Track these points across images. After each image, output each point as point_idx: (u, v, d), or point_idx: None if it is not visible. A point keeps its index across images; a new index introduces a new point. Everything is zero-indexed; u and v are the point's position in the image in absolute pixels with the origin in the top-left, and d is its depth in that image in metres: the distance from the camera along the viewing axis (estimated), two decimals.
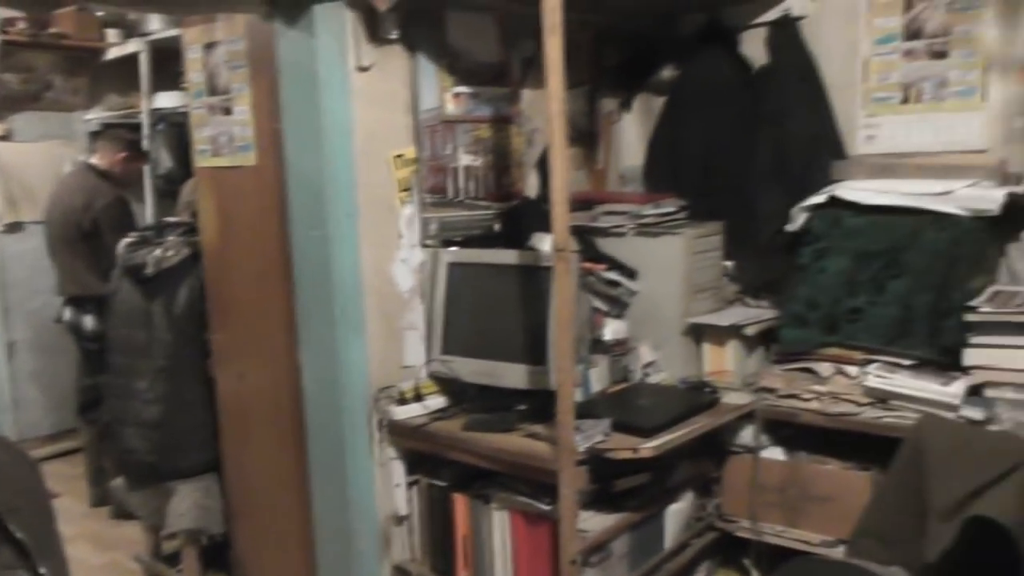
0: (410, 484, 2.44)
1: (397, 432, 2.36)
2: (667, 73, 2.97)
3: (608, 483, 2.17)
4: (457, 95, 2.51)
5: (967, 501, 1.81)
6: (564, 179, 1.92)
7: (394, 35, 2.30)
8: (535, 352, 2.24)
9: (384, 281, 2.37)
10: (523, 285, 2.31)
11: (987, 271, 2.40)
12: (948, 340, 2.21)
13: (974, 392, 2.17)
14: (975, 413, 2.13)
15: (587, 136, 3.01)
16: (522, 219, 2.56)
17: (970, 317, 2.18)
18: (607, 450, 2.06)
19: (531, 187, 2.75)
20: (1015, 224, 2.39)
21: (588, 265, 2.49)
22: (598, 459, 2.06)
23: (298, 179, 2.32)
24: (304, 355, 2.40)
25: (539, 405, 2.19)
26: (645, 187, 3.03)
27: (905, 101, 2.62)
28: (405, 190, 2.40)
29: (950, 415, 2.13)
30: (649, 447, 2.07)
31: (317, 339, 2.36)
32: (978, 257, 2.31)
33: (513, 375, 2.29)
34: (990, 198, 2.26)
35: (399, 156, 2.38)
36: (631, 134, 3.14)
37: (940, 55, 2.55)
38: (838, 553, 2.23)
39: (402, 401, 2.35)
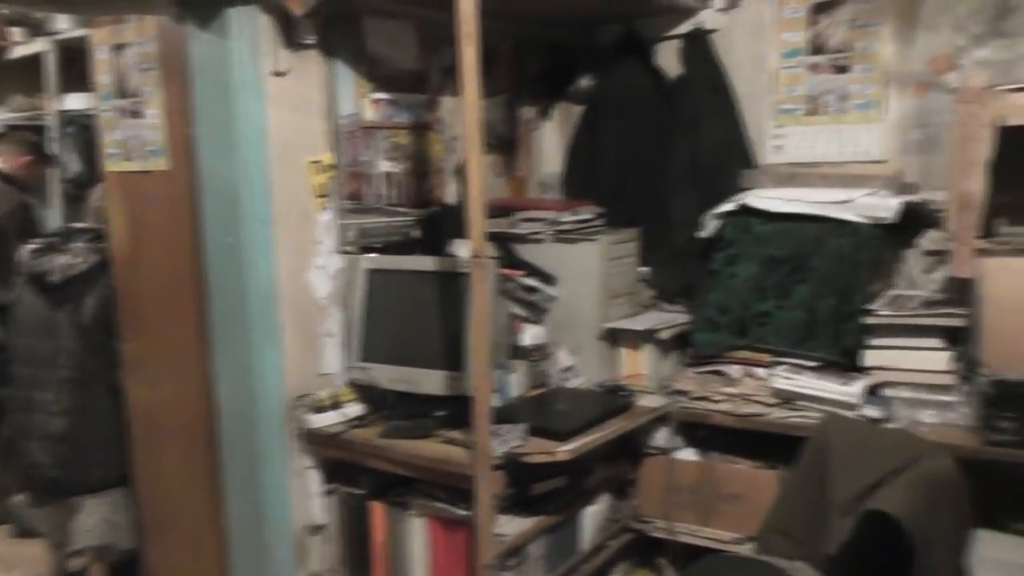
0: (327, 493, 2.41)
1: (314, 441, 2.34)
2: (585, 82, 3.03)
3: (525, 487, 2.19)
4: (376, 101, 2.51)
5: (865, 496, 1.89)
6: (480, 186, 1.94)
7: (311, 40, 2.28)
8: (453, 358, 2.24)
9: (301, 288, 2.35)
10: (441, 291, 2.32)
11: (886, 276, 2.51)
12: (849, 342, 2.31)
13: (873, 392, 2.27)
14: (874, 412, 2.23)
15: (507, 143, 3.03)
16: (441, 226, 2.57)
17: (869, 320, 2.28)
18: (524, 454, 2.08)
19: (451, 194, 2.76)
20: (911, 231, 2.51)
21: (507, 271, 2.51)
22: (515, 463, 2.07)
23: (211, 185, 2.28)
24: (218, 364, 2.36)
25: (457, 411, 2.20)
26: (564, 194, 3.08)
27: (810, 113, 2.73)
28: (322, 196, 2.38)
29: (851, 414, 2.23)
30: (565, 450, 2.10)
31: (231, 348, 2.31)
32: (877, 262, 2.42)
33: (431, 381, 2.29)
34: (887, 206, 2.37)
35: (316, 162, 2.36)
36: (551, 142, 3.19)
37: (842, 69, 2.66)
38: (747, 550, 2.30)
39: (319, 409, 2.32)
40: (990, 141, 2.05)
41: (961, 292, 2.22)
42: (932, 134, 2.51)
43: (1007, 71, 2.40)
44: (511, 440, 2.08)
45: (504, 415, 2.20)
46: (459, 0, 1.85)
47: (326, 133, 2.38)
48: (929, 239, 2.49)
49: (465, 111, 1.90)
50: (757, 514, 2.29)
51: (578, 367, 2.62)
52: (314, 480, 2.39)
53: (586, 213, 2.71)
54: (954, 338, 2.20)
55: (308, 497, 2.39)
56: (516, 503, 2.21)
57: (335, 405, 2.34)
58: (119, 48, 2.50)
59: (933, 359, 2.20)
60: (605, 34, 3.01)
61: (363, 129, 2.47)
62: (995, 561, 2.09)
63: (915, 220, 2.47)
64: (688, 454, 2.53)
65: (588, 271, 2.59)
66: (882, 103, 2.60)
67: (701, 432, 2.52)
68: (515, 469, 2.09)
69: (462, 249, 2.32)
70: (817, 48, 2.69)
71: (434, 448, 2.17)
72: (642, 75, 2.90)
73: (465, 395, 2.11)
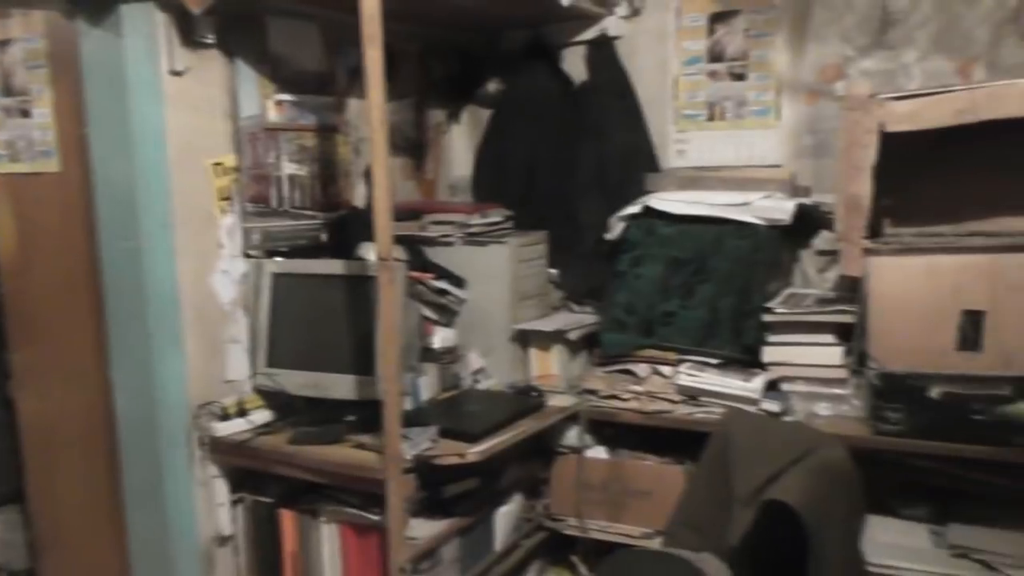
0: (234, 503, 2.36)
1: (219, 449, 2.28)
2: (493, 86, 3.05)
3: (437, 489, 2.20)
4: (280, 103, 2.46)
5: (764, 487, 1.97)
6: (387, 189, 1.93)
7: (211, 39, 2.22)
8: (362, 362, 2.23)
9: (204, 293, 2.29)
10: (349, 295, 2.29)
11: (782, 275, 2.62)
12: (749, 339, 2.39)
13: (772, 387, 2.36)
14: (773, 406, 2.31)
15: (416, 147, 3.03)
16: (349, 229, 2.54)
17: (767, 318, 2.37)
18: (435, 457, 2.08)
19: (359, 197, 2.74)
20: (805, 232, 2.62)
21: (416, 274, 2.51)
22: (426, 466, 2.07)
23: (106, 187, 2.20)
24: (116, 373, 2.27)
25: (367, 415, 2.18)
26: (474, 197, 3.09)
27: (711, 118, 2.82)
28: (225, 199, 2.32)
29: (751, 408, 2.31)
30: (476, 452, 2.11)
31: (130, 356, 2.24)
32: (774, 262, 2.51)
33: (340, 386, 2.26)
34: (782, 209, 2.47)
35: (218, 164, 2.30)
36: (460, 145, 3.20)
37: (740, 77, 2.76)
38: (656, 544, 2.36)
39: (224, 417, 2.27)
40: (874, 147, 2.16)
41: (851, 290, 2.32)
42: (823, 139, 2.63)
43: (890, 80, 2.54)
44: (421, 443, 2.08)
45: (415, 418, 2.20)
46: (363, 1, 1.84)
47: (228, 134, 2.33)
48: (822, 239, 2.61)
49: (370, 113, 1.89)
50: (665, 509, 2.34)
51: (489, 369, 2.63)
52: (220, 490, 2.33)
53: (495, 216, 2.73)
54: (846, 334, 2.30)
55: (214, 507, 2.33)
56: (428, 506, 2.21)
57: (241, 412, 2.29)
58: (4, 44, 2.39)
59: (826, 354, 2.31)
60: (512, 39, 3.03)
61: (266, 131, 2.42)
62: (886, 545, 2.21)
63: (809, 221, 2.58)
64: (598, 452, 2.57)
65: (498, 273, 2.61)
66: (777, 110, 2.71)
67: (610, 430, 2.57)
68: (426, 472, 2.09)
69: (370, 253, 2.31)
70: (716, 56, 2.79)
71: (344, 453, 2.14)
72: (549, 80, 2.94)
73: (375, 399, 2.10)
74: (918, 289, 2.11)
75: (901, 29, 2.51)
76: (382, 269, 1.93)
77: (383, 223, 1.93)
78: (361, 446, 2.15)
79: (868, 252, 2.18)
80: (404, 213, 2.74)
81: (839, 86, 2.59)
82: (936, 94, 2.13)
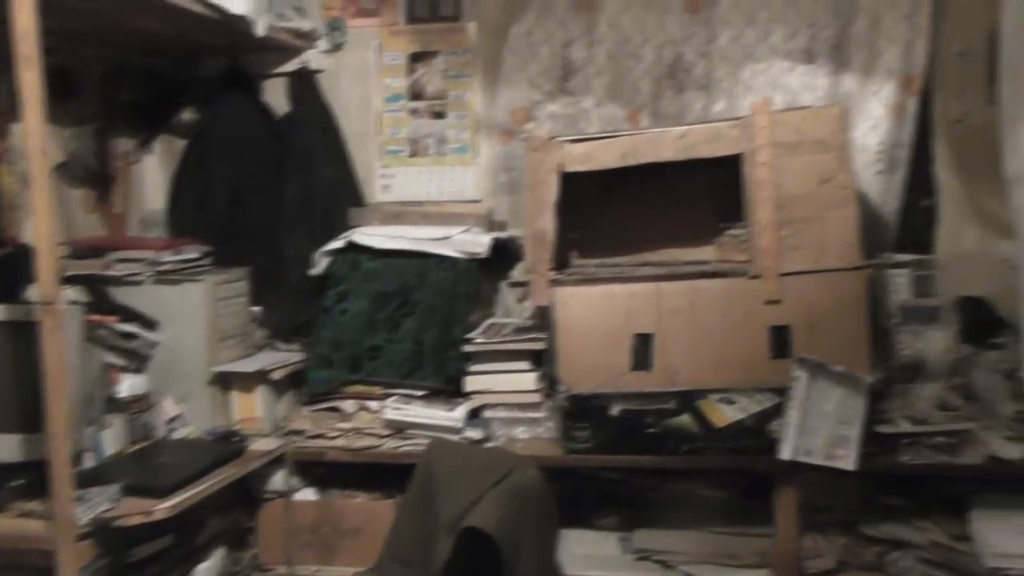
0: None
1: None
2: (188, 115, 2.89)
3: (122, 554, 2.01)
4: None
5: (465, 513, 2.02)
6: (49, 223, 1.76)
7: None
8: (30, 418, 1.98)
9: None
10: (14, 344, 2.04)
11: (484, 306, 2.73)
12: (452, 370, 2.46)
13: (475, 414, 2.44)
14: (475, 433, 2.39)
15: (100, 177, 2.78)
16: (14, 269, 2.27)
17: (468, 348, 2.46)
18: (116, 518, 1.90)
19: (28, 232, 2.45)
20: (503, 264, 2.76)
21: (98, 317, 2.30)
22: (107, 529, 1.89)
23: None
24: None
25: (39, 478, 1.95)
26: (170, 232, 2.90)
27: (413, 154, 2.89)
28: None
29: (455, 437, 2.37)
30: (165, 507, 1.96)
31: None
32: (474, 294, 2.61)
33: (4, 447, 2.00)
34: (480, 242, 2.59)
35: None
36: (153, 177, 2.98)
37: (440, 115, 2.86)
38: None
39: None
40: (556, 185, 2.33)
41: (543, 318, 2.48)
42: (516, 177, 2.79)
43: (574, 123, 2.76)
44: (100, 504, 1.89)
45: (94, 477, 2.00)
46: (15, 18, 1.67)
47: None
48: (518, 271, 2.76)
49: (27, 140, 1.71)
50: (377, 545, 2.31)
51: (186, 415, 2.47)
52: None
53: (191, 252, 2.58)
54: (539, 360, 2.45)
55: None
56: (113, 573, 2.01)
57: None
58: None
59: (523, 380, 2.44)
60: (209, 66, 2.91)
61: None
62: (583, 556, 2.36)
63: (506, 254, 2.73)
64: (307, 494, 2.50)
65: (194, 313, 2.47)
66: (475, 147, 2.84)
67: (320, 470, 2.52)
68: (108, 536, 1.91)
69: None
70: (416, 94, 2.87)
71: (7, 524, 1.90)
72: (250, 111, 2.85)
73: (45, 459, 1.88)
74: (598, 316, 2.30)
75: (580, 78, 2.75)
76: (45, 314, 1.75)
77: (47, 262, 1.76)
78: (28, 514, 1.91)
79: (554, 283, 2.34)
80: (85, 250, 2.51)
81: (529, 127, 2.77)
82: (606, 138, 2.35)
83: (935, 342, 2.17)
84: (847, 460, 2.09)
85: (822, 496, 2.26)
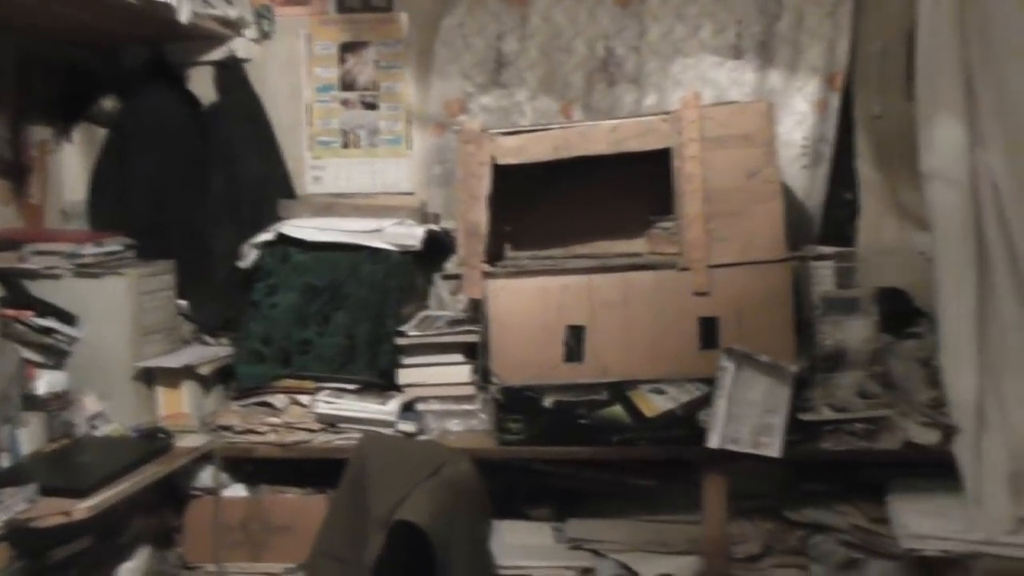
0: None
1: None
2: (109, 104, 2.80)
3: (40, 556, 1.94)
4: None
5: (397, 508, 2.01)
6: None
7: None
8: None
9: None
10: None
11: (417, 299, 2.72)
12: (384, 363, 2.44)
13: (408, 408, 2.43)
14: (408, 426, 2.38)
15: (15, 168, 2.67)
16: None
17: (401, 341, 2.44)
18: (32, 519, 1.84)
19: None
20: (437, 257, 2.75)
21: (13, 312, 2.22)
22: (22, 531, 1.82)
23: None
24: None
25: None
26: (91, 224, 2.80)
27: (345, 146, 2.85)
28: None
29: (388, 431, 2.36)
30: (85, 507, 1.90)
31: None
32: (408, 287, 2.59)
33: None
34: (413, 235, 2.57)
35: None
36: (74, 167, 2.88)
37: (371, 106, 2.83)
38: None
39: None
40: (488, 177, 2.32)
41: (477, 311, 2.48)
42: (450, 169, 2.77)
43: (507, 116, 2.76)
44: (15, 505, 1.83)
45: (10, 476, 1.94)
46: None
47: None
48: (452, 264, 2.75)
49: None
50: (308, 542, 2.29)
51: (109, 412, 2.39)
52: None
53: (114, 245, 2.51)
54: (473, 353, 2.45)
55: None
56: (32, 575, 1.95)
57: None
58: None
59: (456, 373, 2.43)
60: (131, 56, 2.82)
61: None
62: (517, 546, 2.37)
63: (440, 247, 2.71)
64: (237, 491, 2.45)
65: (116, 307, 2.39)
66: (408, 139, 2.82)
67: (249, 467, 2.47)
68: (23, 538, 1.84)
69: None
70: (348, 85, 2.83)
71: None
72: (174, 101, 2.78)
73: None
74: (531, 308, 2.31)
75: (513, 70, 2.75)
76: None
77: None
78: None
79: (487, 275, 2.34)
80: (0, 242, 2.42)
81: (463, 120, 2.76)
82: (538, 131, 2.36)
83: (855, 332, 2.24)
84: (773, 448, 2.15)
85: (748, 483, 2.31)
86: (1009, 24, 2.02)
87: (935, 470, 2.16)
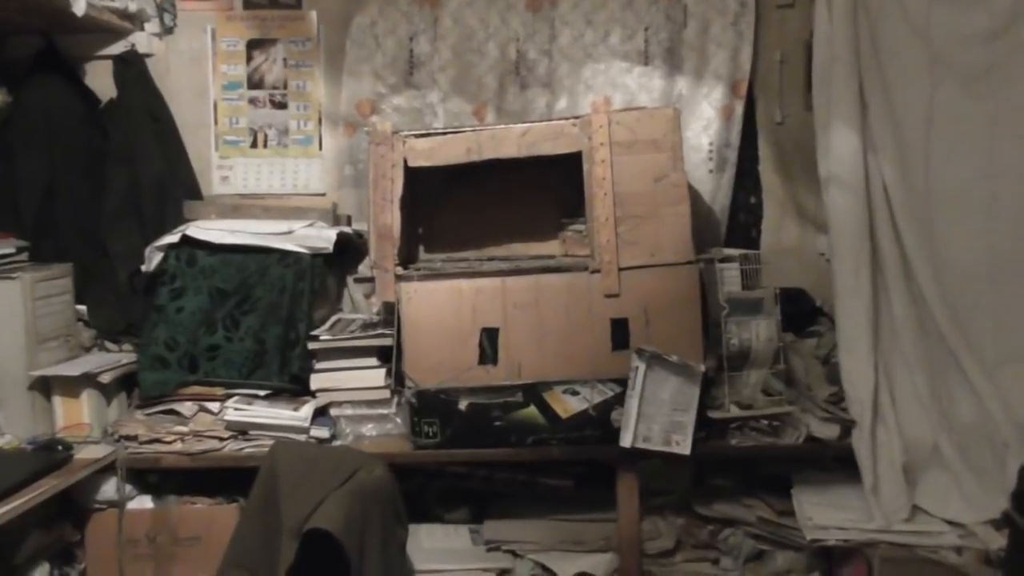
0: None
1: None
2: None
3: None
4: None
5: (310, 516, 1.97)
6: None
7: None
8: None
9: None
10: None
11: (330, 302, 2.67)
12: (296, 368, 2.40)
13: (321, 413, 2.39)
14: (322, 432, 2.34)
15: None
16: None
17: (313, 345, 2.40)
18: None
19: None
20: (350, 259, 2.71)
21: None
22: None
23: None
24: None
25: None
26: None
27: (254, 145, 2.79)
28: None
29: (301, 437, 2.32)
30: None
31: None
32: (320, 290, 2.54)
33: None
34: (325, 237, 2.52)
35: None
36: None
37: (281, 105, 2.77)
38: None
39: None
40: (400, 180, 2.30)
41: (391, 314, 2.45)
42: (362, 170, 2.74)
43: (419, 118, 2.75)
44: None
45: None
46: None
47: None
48: (364, 266, 2.72)
49: None
50: (218, 552, 2.23)
51: (2, 424, 2.28)
52: None
53: (5, 247, 2.39)
54: (387, 356, 2.42)
55: None
56: None
57: None
58: None
59: (370, 377, 2.40)
60: (19, 46, 2.68)
61: None
62: (434, 550, 2.38)
63: (352, 249, 2.68)
64: (143, 502, 2.37)
65: (8, 313, 2.29)
66: (319, 139, 2.77)
67: (155, 477, 2.39)
68: None
69: None
70: (256, 83, 2.76)
71: None
72: (68, 96, 2.66)
73: None
74: (444, 311, 2.30)
75: (425, 72, 2.73)
76: None
77: None
78: None
79: (400, 278, 2.31)
80: None
81: (374, 120, 2.73)
82: (450, 134, 2.35)
83: (759, 331, 2.32)
84: (683, 445, 2.20)
85: (659, 480, 2.37)
86: (896, 35, 2.13)
87: (836, 463, 2.27)
